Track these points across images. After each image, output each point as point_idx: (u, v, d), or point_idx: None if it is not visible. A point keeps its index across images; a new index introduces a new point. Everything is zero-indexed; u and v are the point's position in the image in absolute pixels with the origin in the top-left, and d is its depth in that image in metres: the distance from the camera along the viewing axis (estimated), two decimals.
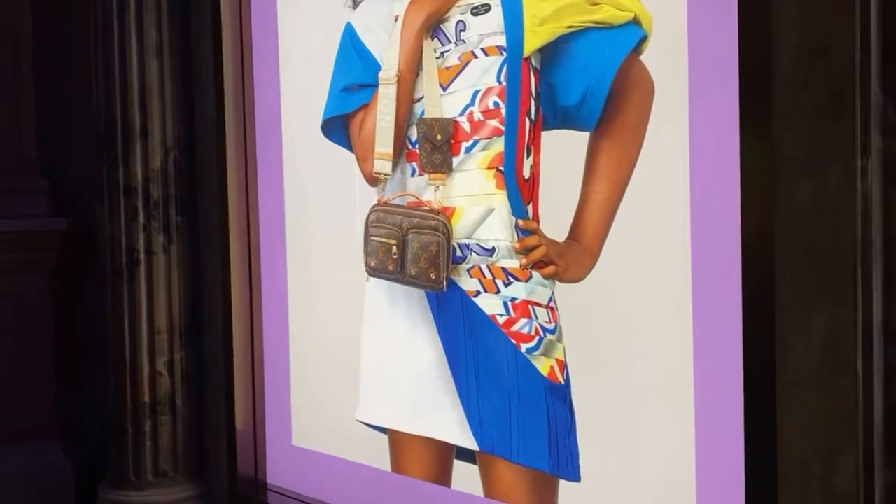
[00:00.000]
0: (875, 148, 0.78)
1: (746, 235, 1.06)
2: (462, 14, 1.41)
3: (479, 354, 1.41)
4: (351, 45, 1.59)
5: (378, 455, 1.60)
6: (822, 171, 0.96)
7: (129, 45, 1.84)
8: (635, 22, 1.21)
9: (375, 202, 1.52)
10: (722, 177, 1.11)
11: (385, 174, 1.51)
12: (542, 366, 1.34)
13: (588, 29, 1.26)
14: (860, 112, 0.83)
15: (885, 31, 0.76)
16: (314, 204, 1.77)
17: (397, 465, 1.59)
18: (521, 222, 1.36)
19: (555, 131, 1.34)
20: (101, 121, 1.91)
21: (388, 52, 1.50)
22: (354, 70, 1.58)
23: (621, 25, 1.22)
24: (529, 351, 1.35)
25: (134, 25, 1.84)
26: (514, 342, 1.36)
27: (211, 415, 1.95)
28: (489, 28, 1.38)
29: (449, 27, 1.43)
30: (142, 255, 1.89)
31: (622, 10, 1.22)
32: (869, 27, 0.78)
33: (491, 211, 1.39)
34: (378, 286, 1.55)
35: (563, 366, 1.33)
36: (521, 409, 1.36)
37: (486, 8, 1.38)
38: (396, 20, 1.48)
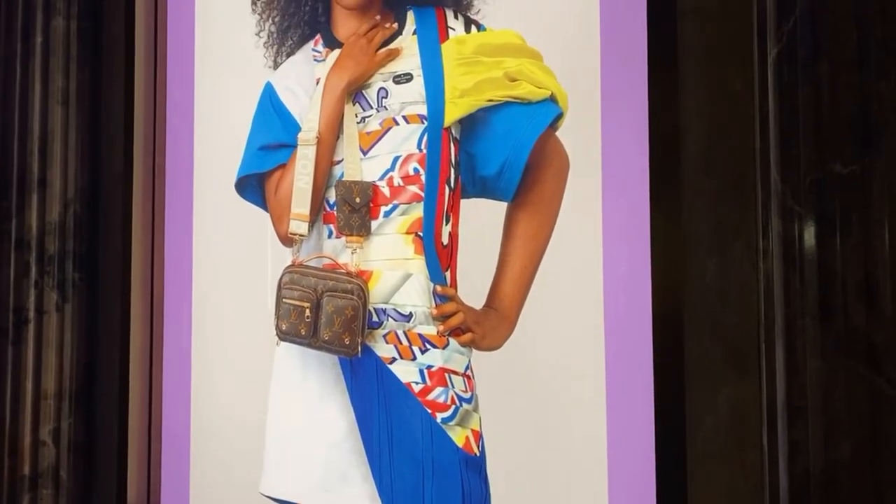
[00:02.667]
0: (775, 231, 0.83)
1: (657, 309, 1.10)
2: (384, 81, 1.43)
3: (393, 424, 1.38)
4: (270, 104, 1.57)
5: None
6: (726, 249, 1.01)
7: (33, 89, 1.75)
8: (552, 99, 1.27)
9: (290, 263, 1.48)
10: (633, 251, 1.15)
11: (301, 235, 1.48)
12: (458, 437, 1.32)
13: (507, 103, 1.30)
14: (761, 196, 0.89)
15: (782, 122, 0.82)
16: (224, 264, 1.71)
17: None
18: (438, 288, 1.36)
19: (474, 199, 1.36)
20: None
21: (308, 113, 1.49)
22: (273, 129, 1.56)
23: (539, 102, 1.27)
24: (445, 421, 1.33)
25: (39, 70, 1.75)
26: (430, 411, 1.34)
27: (100, 488, 1.80)
28: (411, 97, 1.40)
29: (371, 93, 1.44)
30: (31, 314, 1.75)
31: (540, 88, 1.27)
32: (768, 117, 0.84)
33: (409, 276, 1.38)
34: (289, 351, 1.49)
35: (478, 437, 1.32)
36: (434, 483, 1.32)
37: (409, 77, 1.40)
38: (318, 83, 1.48)
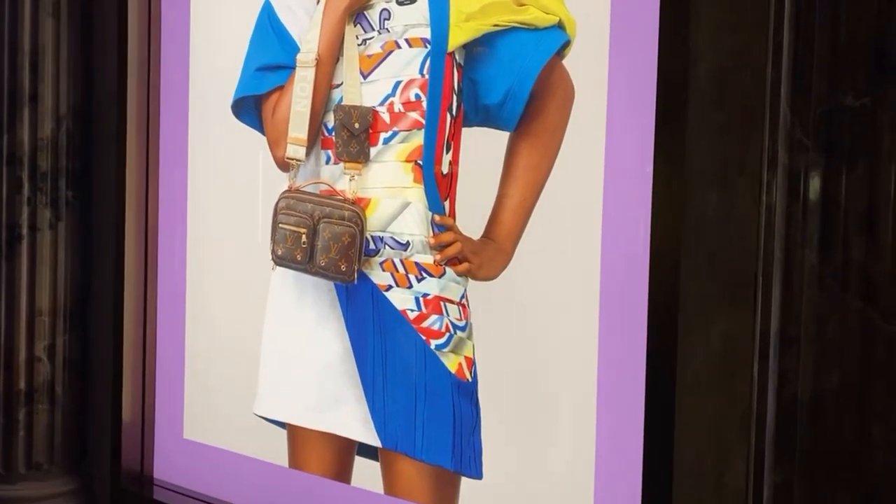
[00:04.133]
0: (781, 164, 0.82)
1: (655, 242, 1.10)
2: (387, 2, 1.38)
3: (388, 349, 1.39)
4: (269, 23, 1.53)
5: (275, 451, 1.55)
6: (729, 183, 1.01)
7: (22, 1, 1.69)
8: (560, 26, 1.23)
9: (286, 188, 1.47)
10: (634, 184, 1.14)
11: (298, 160, 1.46)
12: (451, 363, 1.34)
13: (513, 29, 1.26)
14: (769, 129, 0.87)
15: (796, 52, 0.80)
16: (219, 186, 1.69)
17: (295, 460, 1.54)
18: (437, 218, 1.35)
19: (475, 129, 1.34)
20: None
21: (308, 34, 1.45)
22: (271, 50, 1.52)
23: (546, 28, 1.24)
24: (438, 347, 1.35)
25: None
26: (424, 338, 1.35)
27: (95, 404, 1.83)
28: (414, 19, 1.36)
29: (373, 14, 1.40)
30: (24, 231, 1.74)
31: (548, 14, 1.23)
32: (781, 47, 0.82)
33: (407, 204, 1.37)
34: (284, 276, 1.50)
35: (471, 363, 1.33)
36: (426, 406, 1.35)
37: None
38: (318, 2, 1.44)
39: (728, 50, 1.01)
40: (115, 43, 1.72)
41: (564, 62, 1.23)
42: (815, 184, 0.78)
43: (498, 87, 1.28)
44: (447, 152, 1.35)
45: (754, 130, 0.94)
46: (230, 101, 1.59)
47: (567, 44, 1.23)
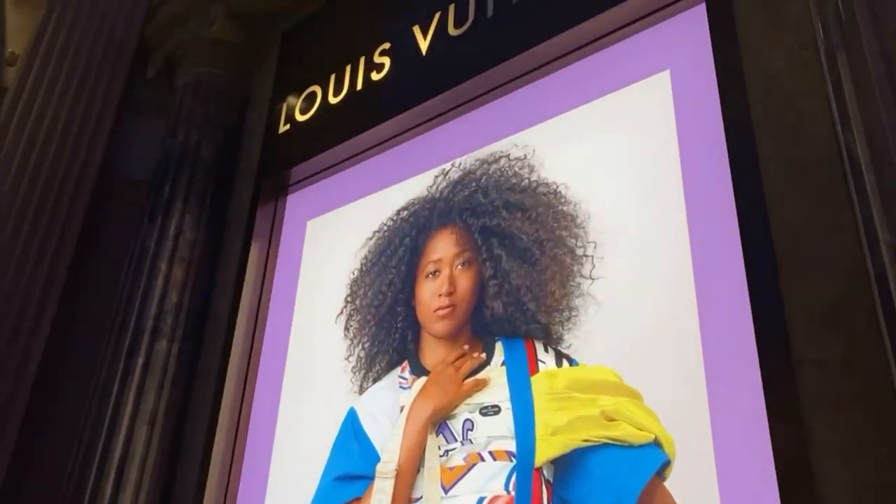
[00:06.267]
0: None
1: None
2: (471, 412, 1.34)
3: None
4: (352, 430, 1.50)
5: None
6: None
7: (124, 410, 1.75)
8: (656, 444, 1.13)
9: None
10: None
11: None
12: None
13: (605, 445, 1.17)
14: None
15: None
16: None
17: None
18: None
19: None
20: (70, 488, 1.73)
21: (389, 442, 1.40)
22: (351, 458, 1.47)
23: (641, 446, 1.14)
24: None
25: (134, 390, 1.77)
26: None
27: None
28: (498, 431, 1.30)
29: (456, 424, 1.35)
30: None
31: (641, 430, 1.15)
32: None
33: None
34: None
35: None
36: None
37: (496, 410, 1.32)
38: (402, 410, 1.42)
39: None
40: (201, 453, 1.71)
41: (668, 483, 1.10)
42: None
43: None
44: None
45: None
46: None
47: (667, 464, 1.11)
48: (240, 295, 1.84)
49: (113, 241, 2.01)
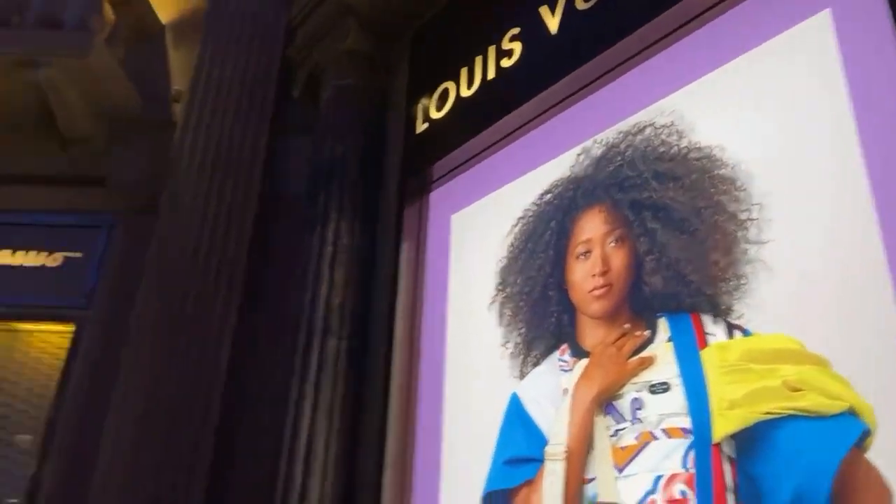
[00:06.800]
0: None
1: None
2: (638, 391, 1.31)
3: None
4: (516, 416, 1.51)
5: None
6: None
7: (303, 402, 1.88)
8: (853, 412, 1.04)
9: None
10: None
11: None
12: None
13: (792, 417, 1.10)
14: None
15: None
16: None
17: None
18: None
19: None
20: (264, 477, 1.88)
21: (555, 425, 1.40)
22: (518, 443, 1.48)
23: (834, 416, 1.05)
24: None
25: (312, 384, 1.89)
26: None
27: None
28: (670, 408, 1.25)
29: (623, 404, 1.32)
30: None
31: (832, 399, 1.06)
32: None
33: None
34: None
35: None
36: None
37: (666, 387, 1.27)
38: (565, 393, 1.41)
39: None
40: (377, 435, 1.78)
41: (870, 455, 1.01)
42: None
43: (784, 485, 1.08)
44: None
45: None
46: (480, 489, 1.52)
47: (867, 434, 1.02)
48: (396, 292, 1.91)
49: (280, 252, 2.16)
